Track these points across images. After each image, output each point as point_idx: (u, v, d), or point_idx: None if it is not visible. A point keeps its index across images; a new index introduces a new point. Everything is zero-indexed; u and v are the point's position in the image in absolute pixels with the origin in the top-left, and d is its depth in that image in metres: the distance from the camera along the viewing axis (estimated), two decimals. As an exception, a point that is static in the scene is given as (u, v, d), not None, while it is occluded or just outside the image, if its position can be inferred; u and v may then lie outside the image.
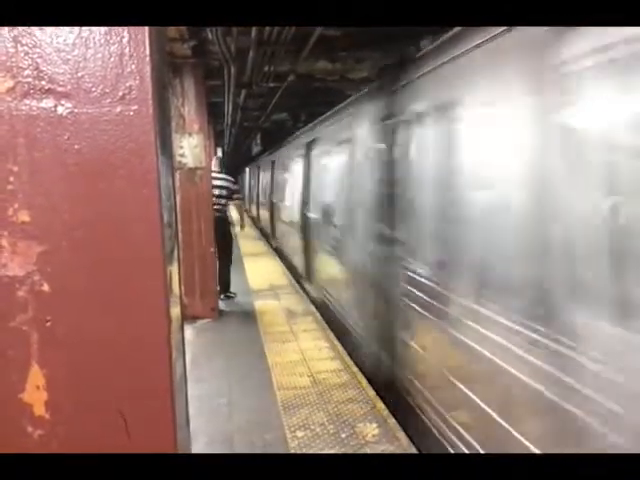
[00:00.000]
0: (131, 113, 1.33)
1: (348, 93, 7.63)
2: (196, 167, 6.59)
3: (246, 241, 14.60)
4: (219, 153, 20.08)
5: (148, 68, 1.32)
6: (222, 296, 7.68)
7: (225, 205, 7.79)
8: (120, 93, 1.32)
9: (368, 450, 3.46)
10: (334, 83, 9.00)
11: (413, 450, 3.46)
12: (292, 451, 3.48)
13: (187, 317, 6.24)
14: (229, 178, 8.11)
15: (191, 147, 6.53)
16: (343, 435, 3.67)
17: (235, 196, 8.21)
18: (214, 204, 7.15)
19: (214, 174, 7.54)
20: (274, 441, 3.63)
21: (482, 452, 2.77)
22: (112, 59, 1.31)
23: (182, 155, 6.49)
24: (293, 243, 9.86)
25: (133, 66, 1.31)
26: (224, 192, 7.73)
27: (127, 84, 1.32)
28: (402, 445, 3.51)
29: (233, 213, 9.98)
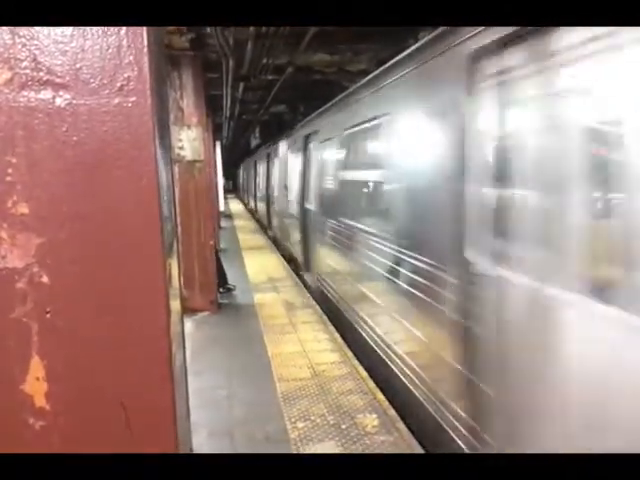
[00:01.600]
0: (129, 104, 1.32)
1: (346, 85, 7.61)
2: (195, 160, 6.58)
3: (245, 234, 14.60)
4: (217, 148, 20.09)
5: (146, 59, 1.32)
6: (222, 289, 7.73)
7: None
8: (118, 84, 1.31)
9: (367, 441, 3.48)
10: (333, 75, 8.98)
11: (413, 441, 3.47)
12: (293, 442, 3.49)
13: (187, 310, 6.25)
14: None
15: (190, 140, 6.52)
16: (343, 426, 3.69)
17: None
18: None
19: None
20: (275, 432, 3.64)
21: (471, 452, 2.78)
22: (110, 50, 1.30)
23: (181, 148, 6.48)
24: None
25: (131, 57, 1.31)
26: None
27: (125, 75, 1.31)
28: (402, 436, 3.53)
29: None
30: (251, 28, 5.55)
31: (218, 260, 7.85)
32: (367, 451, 3.37)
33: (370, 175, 4.95)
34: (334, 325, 5.99)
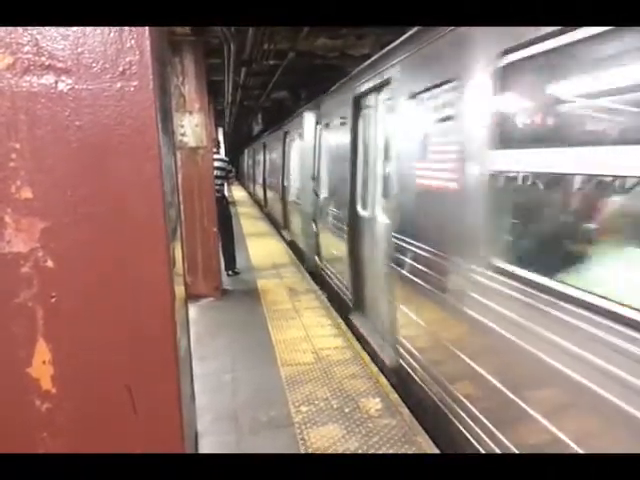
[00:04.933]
0: (132, 89, 1.32)
1: (349, 70, 7.57)
2: (197, 146, 6.56)
3: (247, 220, 14.61)
4: (220, 134, 20.07)
5: (147, 43, 1.31)
6: (230, 272, 7.79)
7: (222, 185, 7.78)
8: (120, 69, 1.31)
9: (370, 424, 3.50)
10: (335, 60, 8.92)
11: (415, 423, 3.50)
12: (297, 425, 3.52)
13: (190, 296, 6.26)
14: (224, 158, 8.11)
15: (192, 126, 6.49)
16: (346, 410, 3.72)
17: (230, 175, 8.27)
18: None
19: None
20: (279, 416, 3.67)
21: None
22: (112, 34, 1.30)
23: (183, 134, 6.46)
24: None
25: (133, 41, 1.31)
26: (221, 172, 7.72)
27: (127, 59, 1.31)
28: (404, 419, 3.55)
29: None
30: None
31: (230, 244, 7.86)
32: (370, 434, 3.40)
33: (310, 160, 8.23)
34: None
